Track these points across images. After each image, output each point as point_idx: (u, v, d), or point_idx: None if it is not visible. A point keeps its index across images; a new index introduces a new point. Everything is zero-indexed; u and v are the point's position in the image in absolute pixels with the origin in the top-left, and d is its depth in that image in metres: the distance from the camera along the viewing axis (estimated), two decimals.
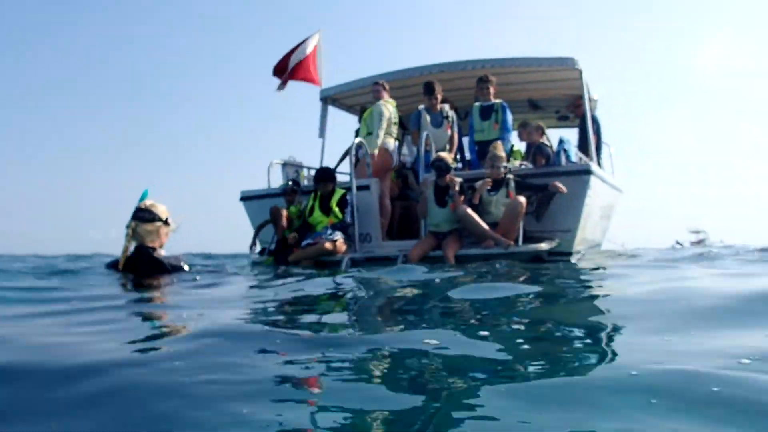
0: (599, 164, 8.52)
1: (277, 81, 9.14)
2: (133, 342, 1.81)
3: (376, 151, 7.37)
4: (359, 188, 7.15)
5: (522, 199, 6.47)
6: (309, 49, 9.18)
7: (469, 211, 6.46)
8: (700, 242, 75.25)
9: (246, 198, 8.21)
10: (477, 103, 7.79)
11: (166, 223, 3.71)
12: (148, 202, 3.73)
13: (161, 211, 3.72)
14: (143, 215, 3.64)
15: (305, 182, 8.61)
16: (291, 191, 7.51)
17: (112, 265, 3.78)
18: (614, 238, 10.92)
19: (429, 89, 7.68)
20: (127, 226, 3.67)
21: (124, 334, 1.96)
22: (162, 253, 3.74)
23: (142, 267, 3.62)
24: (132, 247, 3.70)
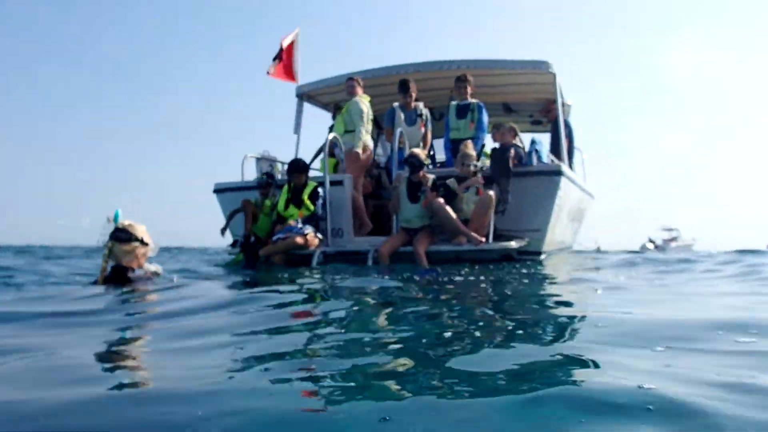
0: (571, 168, 8.65)
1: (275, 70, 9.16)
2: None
3: (360, 150, 7.40)
4: (333, 183, 7.17)
5: (491, 192, 6.55)
6: (285, 45, 9.20)
7: (444, 204, 6.52)
8: (672, 240, 77.08)
9: (219, 190, 8.18)
10: (453, 102, 7.86)
11: (143, 243, 3.72)
12: (126, 222, 3.76)
13: (139, 231, 3.74)
14: (120, 235, 3.67)
15: (279, 176, 8.61)
16: (265, 184, 7.53)
17: (95, 284, 3.79)
18: (585, 241, 11.13)
19: (404, 87, 7.73)
20: (105, 246, 3.71)
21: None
22: (137, 273, 3.76)
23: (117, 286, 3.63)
24: (109, 266, 3.72)
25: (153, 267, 3.90)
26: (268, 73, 8.89)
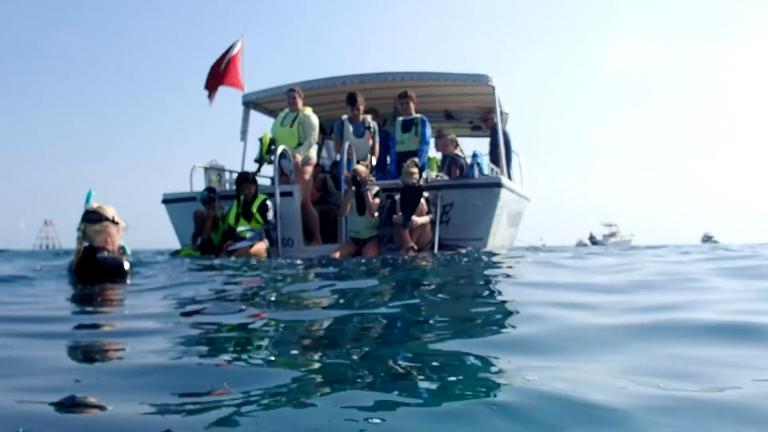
0: (509, 174, 9.10)
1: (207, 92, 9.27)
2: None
3: (312, 165, 7.70)
4: (282, 194, 7.36)
5: (422, 200, 6.89)
6: (232, 53, 9.29)
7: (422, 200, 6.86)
8: (612, 235, 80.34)
9: (168, 201, 8.23)
10: (399, 118, 8.16)
11: (113, 222, 3.83)
12: (95, 205, 3.86)
13: (109, 211, 3.85)
14: (91, 216, 3.77)
15: (227, 186, 8.71)
16: (209, 199, 7.56)
17: (70, 269, 3.89)
18: (531, 239, 11.65)
19: (351, 100, 7.97)
20: (78, 229, 3.78)
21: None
22: (105, 253, 3.86)
23: (88, 268, 3.74)
24: (83, 248, 3.81)
25: (121, 242, 4.03)
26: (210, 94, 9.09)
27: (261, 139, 8.15)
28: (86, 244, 3.80)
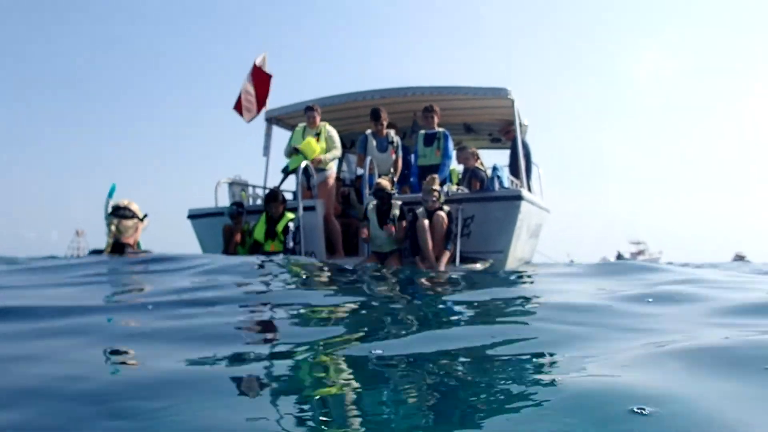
0: (529, 187, 9.16)
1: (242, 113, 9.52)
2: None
3: (333, 179, 8.00)
4: (305, 209, 7.50)
5: (441, 213, 6.96)
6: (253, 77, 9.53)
7: (426, 226, 6.90)
8: (640, 253, 79.53)
9: (193, 216, 8.40)
10: (422, 131, 8.28)
11: (141, 220, 4.01)
12: (125, 201, 4.04)
13: (136, 209, 4.04)
14: (124, 213, 3.95)
15: (250, 201, 8.87)
16: (237, 214, 7.69)
17: (97, 251, 4.08)
18: (558, 255, 11.68)
19: (375, 115, 8.10)
20: (108, 224, 3.95)
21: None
22: (134, 248, 4.03)
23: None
24: (112, 242, 3.98)
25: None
26: (242, 113, 9.29)
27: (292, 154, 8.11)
28: (114, 240, 3.97)
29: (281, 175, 8.36)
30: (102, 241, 4.10)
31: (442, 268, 6.79)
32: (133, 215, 4.02)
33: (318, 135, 7.98)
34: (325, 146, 7.98)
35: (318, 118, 8.09)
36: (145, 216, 4.14)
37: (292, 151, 7.92)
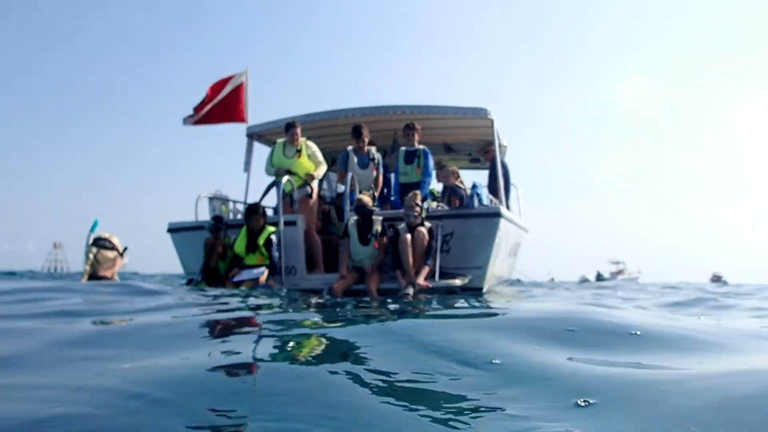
0: (507, 206, 9.29)
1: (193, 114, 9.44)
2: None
3: (315, 196, 8.11)
4: (286, 224, 7.53)
5: (422, 228, 7.04)
6: (230, 88, 9.52)
7: (408, 240, 6.97)
8: (619, 272, 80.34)
9: (173, 230, 8.38)
10: (402, 148, 8.38)
11: (121, 254, 4.00)
12: (106, 234, 4.03)
13: (117, 242, 4.02)
14: (104, 243, 3.95)
15: (230, 216, 8.87)
16: (216, 228, 7.68)
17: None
18: (539, 274, 11.88)
19: (357, 132, 8.19)
20: (87, 252, 3.94)
21: None
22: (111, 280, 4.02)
23: None
24: (89, 272, 3.96)
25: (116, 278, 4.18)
26: (188, 121, 9.26)
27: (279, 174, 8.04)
28: (91, 270, 3.97)
29: (261, 191, 8.40)
30: (79, 257, 4.11)
31: (421, 281, 6.85)
32: (113, 247, 4.04)
33: (299, 152, 8.03)
34: (312, 163, 8.06)
35: (299, 135, 8.14)
36: (125, 250, 4.15)
37: (284, 173, 7.89)
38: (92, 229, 4.16)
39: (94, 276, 3.91)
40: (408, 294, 6.65)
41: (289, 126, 8.13)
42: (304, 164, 7.96)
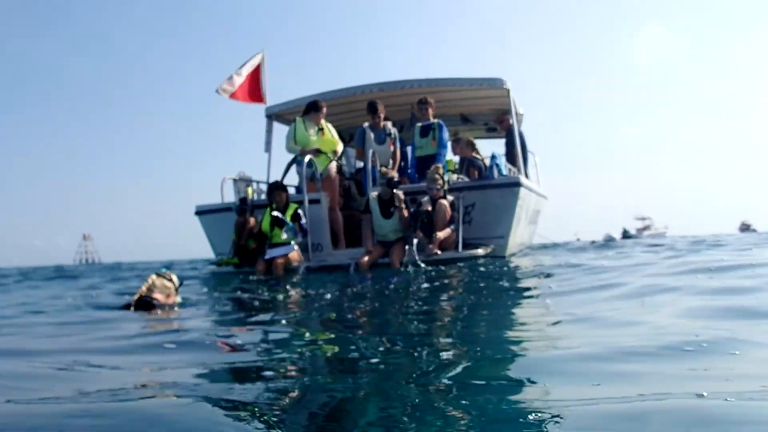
0: (526, 174, 9.39)
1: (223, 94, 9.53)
2: None
3: (334, 172, 8.20)
4: (311, 202, 7.70)
5: (444, 201, 7.19)
6: (249, 70, 9.63)
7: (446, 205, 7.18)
8: (645, 228, 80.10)
9: (201, 212, 8.60)
10: (418, 123, 8.49)
11: (176, 289, 4.39)
12: (167, 272, 4.43)
13: (175, 280, 4.44)
14: (164, 275, 4.34)
15: (255, 196, 9.06)
16: (241, 210, 7.85)
17: (125, 307, 4.28)
18: (568, 234, 12.09)
19: (372, 108, 8.30)
20: (146, 278, 4.31)
21: None
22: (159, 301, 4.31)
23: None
24: (142, 295, 4.24)
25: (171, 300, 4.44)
26: (220, 92, 9.30)
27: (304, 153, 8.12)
28: (146, 291, 4.25)
29: (283, 170, 8.56)
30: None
31: (442, 236, 7.06)
32: (171, 281, 4.43)
33: (322, 130, 8.15)
34: (336, 139, 8.20)
35: (324, 115, 8.25)
36: (181, 284, 4.55)
37: (312, 152, 7.99)
38: (159, 270, 4.58)
39: (146, 297, 4.20)
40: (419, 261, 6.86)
41: (316, 106, 8.16)
42: (330, 141, 8.09)
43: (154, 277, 4.27)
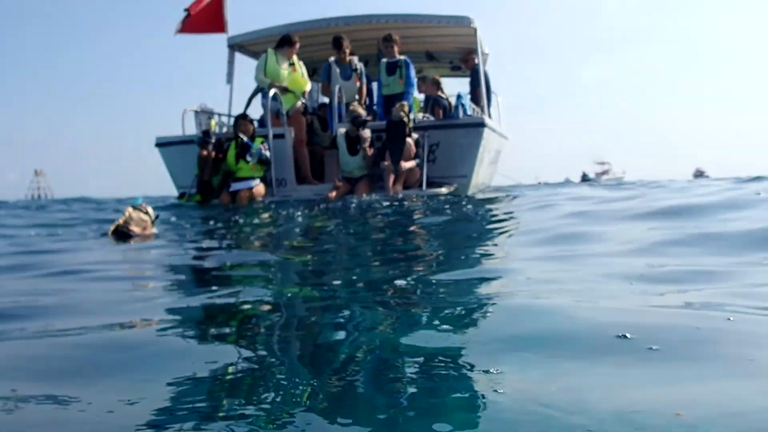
0: (489, 114, 9.46)
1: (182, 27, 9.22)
2: None
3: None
4: (275, 136, 7.64)
5: (409, 140, 7.26)
6: None
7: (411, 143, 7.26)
8: (604, 173, 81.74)
9: (161, 144, 8.43)
10: (384, 60, 8.40)
11: (153, 222, 4.41)
12: (144, 206, 4.45)
13: (151, 212, 4.51)
14: (141, 208, 4.36)
15: (216, 129, 8.91)
16: (204, 143, 7.73)
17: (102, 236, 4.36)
18: (527, 177, 12.34)
19: (337, 43, 8.17)
20: (124, 211, 4.34)
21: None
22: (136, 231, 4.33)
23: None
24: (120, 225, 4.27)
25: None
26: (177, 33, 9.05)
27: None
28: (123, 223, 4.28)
29: (246, 101, 8.44)
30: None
31: (407, 165, 7.18)
32: (147, 213, 4.46)
33: (293, 65, 8.02)
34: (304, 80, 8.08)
35: (296, 51, 8.10)
36: (157, 217, 4.61)
37: (281, 89, 7.84)
38: (136, 202, 4.55)
39: (123, 228, 4.23)
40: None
41: (290, 41, 7.99)
42: (300, 81, 7.97)
43: (130, 209, 4.29)
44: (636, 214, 4.23)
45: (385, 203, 6.39)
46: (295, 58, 8.08)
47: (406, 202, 6.46)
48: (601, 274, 2.16)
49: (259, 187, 7.35)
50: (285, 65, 7.96)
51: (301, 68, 8.13)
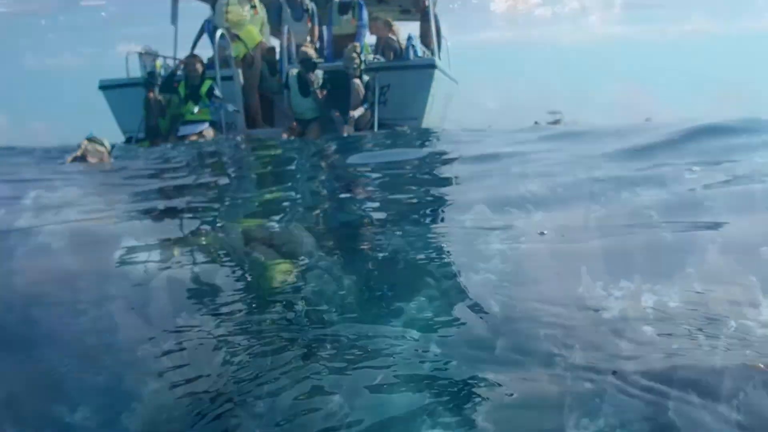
0: (439, 57, 9.47)
1: None
2: None
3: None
4: (223, 78, 7.49)
5: (356, 80, 7.25)
6: None
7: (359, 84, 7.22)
8: (556, 122, 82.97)
9: (106, 87, 8.16)
10: (336, 0, 8.27)
11: (109, 153, 4.43)
12: (98, 138, 4.46)
13: (107, 144, 4.60)
14: (96, 139, 4.37)
15: (162, 72, 8.66)
16: (150, 84, 7.53)
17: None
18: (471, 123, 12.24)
19: None
20: (79, 144, 4.46)
21: None
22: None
23: None
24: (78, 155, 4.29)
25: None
26: None
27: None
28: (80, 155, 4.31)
29: (192, 41, 8.23)
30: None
31: (356, 114, 7.19)
32: (103, 145, 4.48)
33: (254, 8, 7.81)
34: (260, 26, 7.87)
35: None
36: (113, 148, 4.82)
37: (233, 36, 7.64)
38: (89, 135, 4.52)
39: (80, 159, 4.30)
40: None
41: None
42: (253, 33, 7.77)
43: (86, 142, 4.29)
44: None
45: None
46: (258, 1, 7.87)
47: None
48: None
49: (208, 131, 7.24)
50: (247, 7, 7.76)
51: (262, 11, 7.90)
